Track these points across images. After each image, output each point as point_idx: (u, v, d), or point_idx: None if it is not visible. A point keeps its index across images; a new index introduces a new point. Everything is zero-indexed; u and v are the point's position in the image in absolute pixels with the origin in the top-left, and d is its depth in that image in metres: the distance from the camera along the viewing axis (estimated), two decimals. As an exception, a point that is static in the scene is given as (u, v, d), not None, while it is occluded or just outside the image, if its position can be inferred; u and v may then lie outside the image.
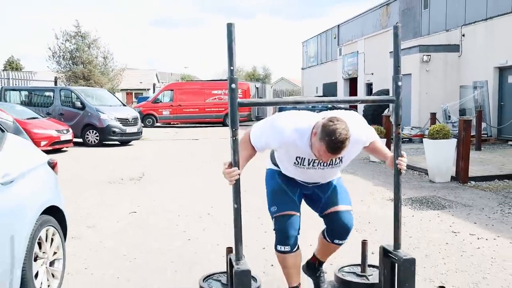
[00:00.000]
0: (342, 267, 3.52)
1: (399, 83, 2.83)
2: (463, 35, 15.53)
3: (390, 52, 17.62)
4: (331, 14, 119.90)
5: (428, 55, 15.57)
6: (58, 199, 3.42)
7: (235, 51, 2.50)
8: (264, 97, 30.35)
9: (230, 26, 2.52)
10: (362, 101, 2.78)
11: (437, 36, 17.02)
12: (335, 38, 28.21)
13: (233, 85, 2.51)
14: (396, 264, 2.87)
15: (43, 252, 3.15)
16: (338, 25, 27.87)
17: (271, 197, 2.97)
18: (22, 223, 2.83)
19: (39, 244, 3.08)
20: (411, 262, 2.78)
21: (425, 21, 18.21)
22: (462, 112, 13.94)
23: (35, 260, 3.02)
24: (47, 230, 3.18)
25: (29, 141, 3.44)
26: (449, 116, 13.40)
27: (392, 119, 2.93)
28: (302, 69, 35.64)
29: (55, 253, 3.33)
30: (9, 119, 3.25)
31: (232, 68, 2.50)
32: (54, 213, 3.36)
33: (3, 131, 3.07)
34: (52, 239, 3.27)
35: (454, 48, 15.80)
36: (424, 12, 18.29)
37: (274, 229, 2.91)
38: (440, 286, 2.56)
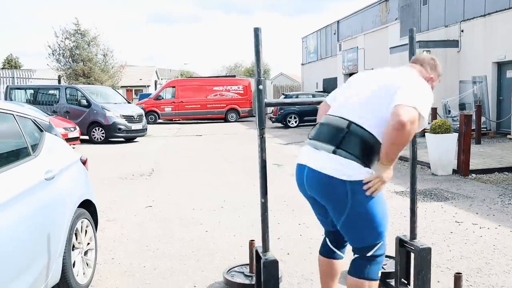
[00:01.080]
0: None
1: None
2: (462, 31, 15.75)
3: (390, 48, 17.86)
4: (329, 9, 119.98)
5: (428, 51, 15.76)
6: (90, 193, 3.66)
7: (262, 54, 2.71)
8: (264, 92, 30.54)
9: (257, 31, 2.72)
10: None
11: (436, 31, 17.24)
12: (334, 33, 28.41)
13: (261, 86, 2.72)
14: (412, 254, 3.07)
15: (79, 243, 3.39)
16: (338, 21, 28.06)
17: (385, 217, 2.43)
18: (63, 215, 3.07)
19: (76, 235, 3.33)
20: (428, 251, 2.96)
21: (424, 17, 18.42)
22: (462, 106, 14.19)
23: (73, 249, 3.27)
24: (82, 222, 3.43)
25: (62, 138, 3.67)
26: (449, 111, 13.64)
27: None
28: (302, 64, 35.83)
29: (88, 243, 3.57)
30: (45, 118, 3.47)
31: (259, 70, 2.71)
32: (87, 206, 3.60)
33: (42, 130, 3.30)
34: (86, 231, 3.51)
35: (453, 43, 16.03)
36: (423, 8, 18.49)
37: (378, 255, 2.44)
38: (457, 273, 2.79)
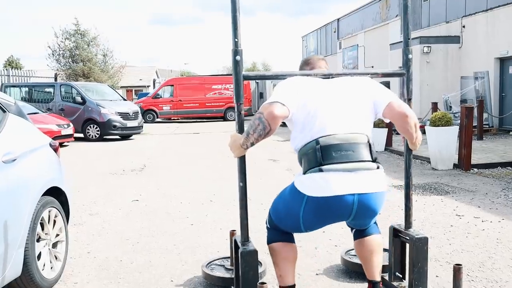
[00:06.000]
0: (349, 250, 3.50)
1: (410, 56, 2.78)
2: (464, 26, 15.46)
3: (391, 44, 17.58)
4: (330, 10, 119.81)
5: (429, 47, 15.50)
6: (60, 181, 3.39)
7: (240, 23, 2.45)
8: (264, 92, 30.35)
9: None
10: (372, 74, 2.71)
11: (437, 27, 16.95)
12: (334, 32, 28.13)
13: (238, 57, 2.46)
14: (408, 244, 2.79)
15: (46, 234, 3.12)
16: (338, 19, 27.78)
17: None
18: (24, 202, 2.81)
19: (42, 225, 3.06)
20: (424, 241, 2.66)
21: (425, 13, 18.14)
22: (464, 102, 13.88)
23: (38, 241, 3.00)
24: (49, 211, 3.16)
25: (31, 122, 3.41)
26: (450, 107, 13.34)
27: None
28: (302, 64, 35.57)
29: (57, 235, 3.30)
30: (10, 100, 3.22)
31: (236, 40, 2.45)
32: (57, 195, 3.33)
33: (4, 111, 3.04)
34: (54, 221, 3.24)
35: (454, 39, 15.73)
36: (424, 4, 18.21)
37: None
38: (456, 264, 2.50)
